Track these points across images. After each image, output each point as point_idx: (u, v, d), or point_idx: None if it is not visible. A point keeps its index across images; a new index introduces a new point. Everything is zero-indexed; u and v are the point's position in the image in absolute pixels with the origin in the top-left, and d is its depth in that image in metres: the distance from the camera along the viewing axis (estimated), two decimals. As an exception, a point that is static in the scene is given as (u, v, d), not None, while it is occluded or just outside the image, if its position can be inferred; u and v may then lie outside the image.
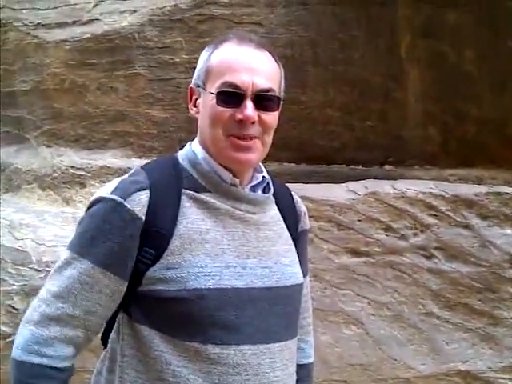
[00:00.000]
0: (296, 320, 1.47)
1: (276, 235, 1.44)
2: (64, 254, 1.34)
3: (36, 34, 3.23)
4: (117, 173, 3.10)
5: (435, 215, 2.48)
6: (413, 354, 2.50)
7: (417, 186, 2.53)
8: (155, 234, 1.30)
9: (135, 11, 3.08)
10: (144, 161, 3.09)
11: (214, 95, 1.34)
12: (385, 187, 2.54)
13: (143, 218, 1.29)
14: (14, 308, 2.67)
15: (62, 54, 3.17)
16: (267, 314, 1.35)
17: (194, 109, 1.45)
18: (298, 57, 2.77)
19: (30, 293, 2.66)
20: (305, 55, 2.79)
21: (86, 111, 3.19)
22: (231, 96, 1.33)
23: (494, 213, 2.45)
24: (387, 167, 2.82)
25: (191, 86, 1.45)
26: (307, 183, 2.68)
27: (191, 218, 1.33)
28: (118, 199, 1.29)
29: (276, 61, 1.43)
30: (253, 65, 1.35)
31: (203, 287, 1.28)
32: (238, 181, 1.40)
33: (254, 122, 1.34)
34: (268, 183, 1.49)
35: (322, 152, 2.88)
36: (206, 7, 2.92)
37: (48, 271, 2.67)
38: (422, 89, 2.70)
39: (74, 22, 3.19)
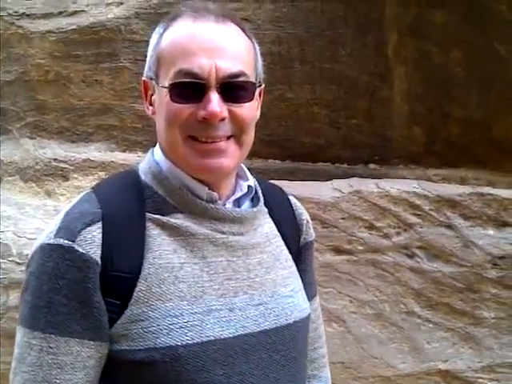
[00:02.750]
0: (304, 365, 1.20)
1: (272, 258, 1.16)
2: (19, 332, 1.02)
3: (20, 24, 3.18)
4: (100, 166, 3.08)
5: (418, 214, 2.49)
6: (393, 352, 2.50)
7: (401, 185, 2.53)
8: (116, 280, 1.00)
9: (122, 3, 3.06)
10: (128, 155, 3.09)
11: (167, 89, 1.06)
12: (369, 186, 2.54)
13: (99, 260, 1.00)
14: (-7, 301, 2.64)
15: (46, 45, 3.13)
16: (266, 365, 1.07)
17: (151, 108, 1.15)
18: (285, 53, 2.76)
19: (10, 285, 2.63)
20: (292, 52, 2.78)
21: (70, 103, 3.16)
22: (189, 88, 1.04)
23: (476, 213, 2.46)
24: (372, 166, 2.83)
25: (144, 78, 1.16)
26: (292, 180, 2.67)
27: (159, 250, 1.04)
28: (66, 243, 0.99)
29: (247, 34, 1.12)
30: (214, 43, 1.05)
31: (179, 344, 0.99)
32: (215, 195, 1.11)
33: (223, 119, 1.05)
34: (256, 192, 1.20)
35: (308, 149, 2.88)
36: (194, 1, 2.89)
37: (28, 264, 2.64)
38: (408, 88, 2.71)
39: (60, 13, 3.15)
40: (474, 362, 2.46)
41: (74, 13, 3.13)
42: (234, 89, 1.06)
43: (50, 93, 3.18)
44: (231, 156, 1.08)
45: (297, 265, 1.24)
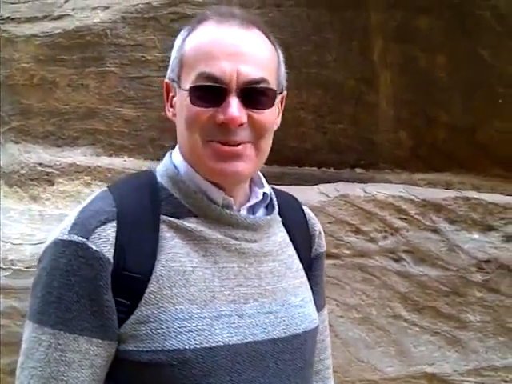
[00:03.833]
0: (309, 376, 1.19)
1: (283, 267, 1.15)
2: (27, 327, 1.03)
3: (5, 28, 3.17)
4: (86, 171, 3.07)
5: (404, 219, 2.50)
6: (380, 356, 2.51)
7: (387, 190, 2.54)
8: (127, 279, 1.00)
9: (108, 8, 3.05)
10: (114, 159, 3.08)
11: (187, 92, 1.06)
12: (355, 190, 2.55)
13: (112, 259, 1.00)
14: (-23, 307, 2.61)
15: (31, 49, 3.12)
16: (272, 374, 1.06)
17: (171, 110, 1.15)
18: (272, 58, 2.76)
19: (-5, 291, 2.61)
20: (278, 57, 2.79)
21: (55, 108, 3.14)
22: (209, 91, 1.04)
23: (461, 217, 2.47)
24: (358, 170, 2.84)
25: (166, 80, 1.16)
26: (279, 185, 2.66)
27: (172, 253, 1.04)
28: (79, 240, 0.99)
29: (271, 41, 1.13)
30: (237, 48, 1.05)
31: (187, 347, 0.99)
32: (231, 200, 1.10)
33: (242, 125, 1.05)
34: (271, 200, 1.19)
35: (294, 154, 2.88)
36: (180, 6, 2.90)
37: (13, 270, 2.62)
38: (394, 93, 2.72)
39: (45, 17, 3.14)
40: (460, 365, 2.47)
41: (60, 17, 3.12)
42: (254, 95, 1.06)
43: (35, 97, 3.16)
44: (248, 161, 1.08)
45: (307, 275, 1.24)
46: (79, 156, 3.13)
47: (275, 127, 1.17)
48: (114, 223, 1.02)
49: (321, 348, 1.31)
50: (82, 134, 3.15)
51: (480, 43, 2.54)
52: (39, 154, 3.17)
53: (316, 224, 1.31)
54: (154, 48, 2.94)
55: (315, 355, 1.24)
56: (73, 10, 3.11)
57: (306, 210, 1.32)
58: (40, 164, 3.14)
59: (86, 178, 3.08)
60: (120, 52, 3.01)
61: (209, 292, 1.04)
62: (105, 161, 3.08)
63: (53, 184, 3.12)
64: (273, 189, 1.23)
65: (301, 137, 2.87)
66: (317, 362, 1.28)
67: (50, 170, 3.12)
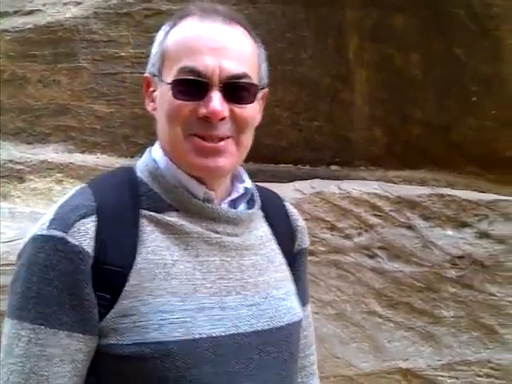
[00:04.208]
0: (294, 370, 1.19)
1: (265, 261, 1.15)
2: (7, 324, 1.01)
3: (-25, 22, 3.11)
4: (58, 168, 3.03)
5: (379, 215, 2.51)
6: (355, 351, 2.52)
7: (362, 187, 2.56)
8: (108, 273, 1.00)
9: (80, 3, 3.02)
10: (87, 156, 3.04)
11: (170, 86, 1.07)
12: (331, 187, 2.56)
13: (92, 253, 0.99)
14: None
15: (2, 45, 3.07)
16: (256, 366, 1.06)
17: (151, 104, 1.16)
18: (247, 55, 2.76)
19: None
20: (253, 54, 2.78)
21: (26, 104, 3.10)
22: (192, 85, 1.05)
23: (436, 214, 2.50)
24: (333, 167, 2.84)
25: (146, 74, 1.17)
26: (254, 182, 2.66)
27: (152, 246, 1.04)
28: (58, 234, 0.99)
29: (253, 38, 1.14)
30: (220, 44, 1.06)
31: (169, 339, 0.98)
32: (213, 194, 1.11)
33: (223, 119, 1.06)
34: (252, 195, 1.20)
35: (270, 151, 2.88)
36: (154, 2, 2.88)
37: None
38: (369, 91, 2.73)
39: (16, 12, 3.10)
40: (434, 360, 2.50)
41: (31, 12, 3.08)
42: (236, 89, 1.07)
43: (5, 93, 3.11)
44: (229, 156, 1.09)
45: (291, 271, 1.24)
46: (51, 153, 3.09)
47: (256, 123, 1.17)
48: (94, 217, 1.02)
49: (305, 344, 1.31)
50: (53, 131, 3.10)
51: (454, 42, 2.57)
52: (10, 151, 3.12)
53: (298, 220, 1.31)
54: (128, 44, 2.91)
55: (300, 351, 1.24)
56: (44, 5, 3.07)
57: (288, 207, 1.32)
58: (10, 161, 3.08)
59: (57, 175, 3.04)
60: (93, 48, 2.98)
61: (190, 285, 1.03)
62: (77, 158, 3.04)
63: (24, 181, 3.07)
64: (255, 185, 1.24)
65: (276, 134, 2.87)
66: (302, 357, 1.27)
67: (21, 167, 3.07)
